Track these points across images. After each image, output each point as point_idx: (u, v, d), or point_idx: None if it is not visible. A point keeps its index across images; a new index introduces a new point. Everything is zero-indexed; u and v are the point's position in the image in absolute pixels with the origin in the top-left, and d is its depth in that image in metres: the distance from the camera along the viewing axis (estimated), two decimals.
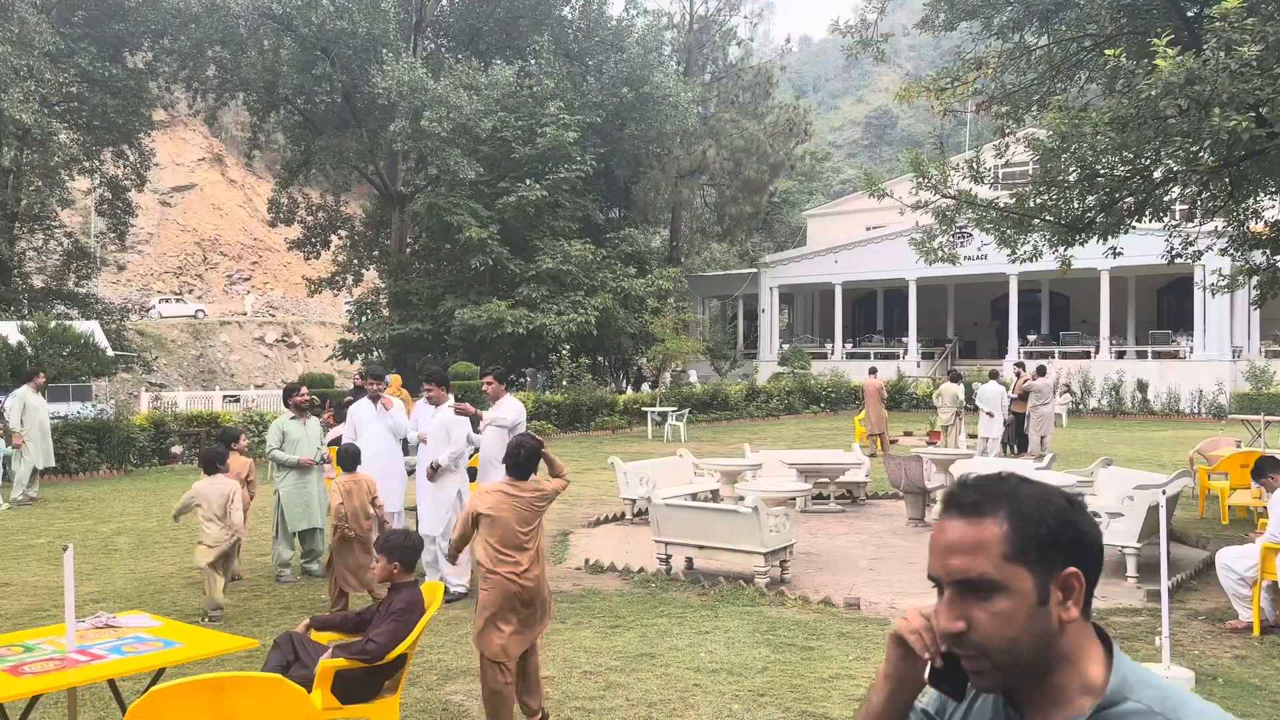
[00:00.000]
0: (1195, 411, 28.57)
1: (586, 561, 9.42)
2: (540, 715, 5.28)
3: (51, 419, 16.27)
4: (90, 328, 21.57)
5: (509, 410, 8.02)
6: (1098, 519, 8.97)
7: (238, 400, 32.33)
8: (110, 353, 19.96)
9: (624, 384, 36.10)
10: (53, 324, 17.72)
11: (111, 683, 4.84)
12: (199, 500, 7.63)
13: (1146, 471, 11.78)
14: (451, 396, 8.55)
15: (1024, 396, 18.19)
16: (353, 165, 36.05)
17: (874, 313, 43.80)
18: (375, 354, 34.69)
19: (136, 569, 9.45)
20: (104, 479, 16.44)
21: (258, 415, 19.55)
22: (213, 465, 7.90)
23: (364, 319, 36.53)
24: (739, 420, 27.72)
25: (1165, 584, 6.30)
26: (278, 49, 31.83)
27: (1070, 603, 1.36)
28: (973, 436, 18.64)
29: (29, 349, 16.61)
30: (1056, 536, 1.36)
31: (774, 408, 28.97)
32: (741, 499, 9.53)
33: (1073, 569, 1.36)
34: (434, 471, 8.13)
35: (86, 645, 4.49)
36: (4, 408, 14.92)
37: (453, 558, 5.73)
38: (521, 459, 5.21)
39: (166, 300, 56.24)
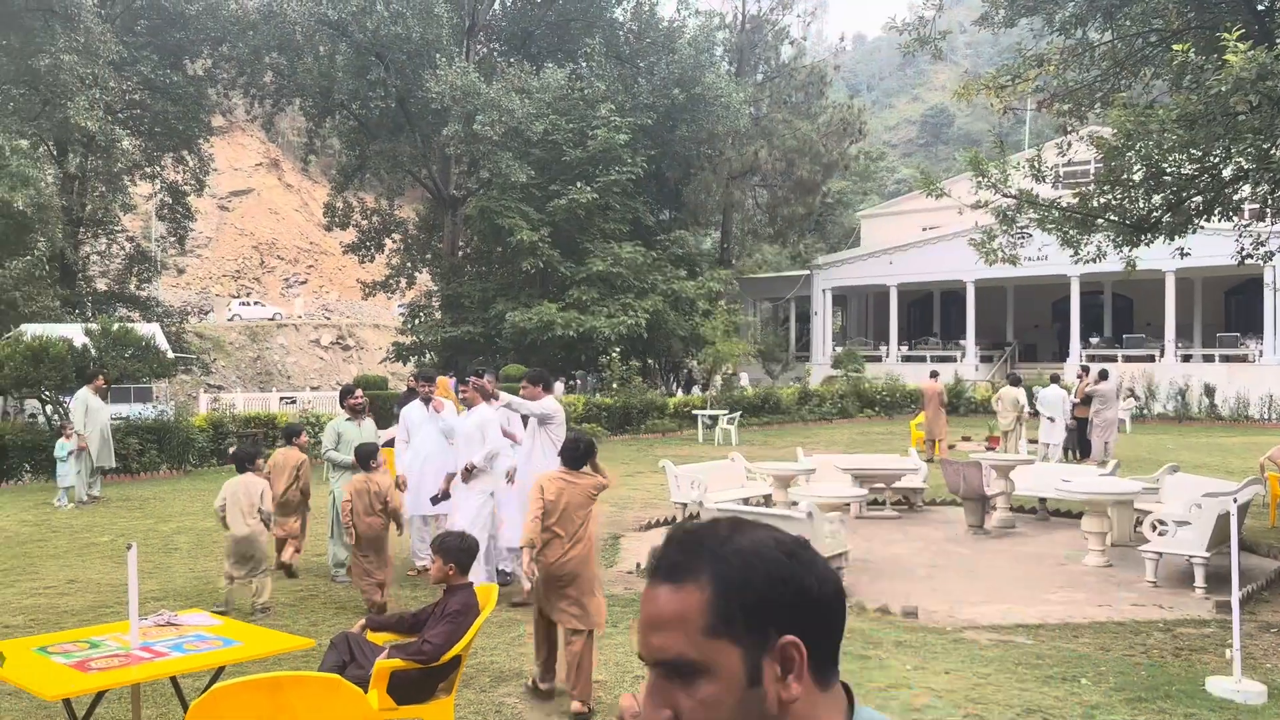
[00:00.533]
0: (1265, 417, 27.77)
1: (638, 565, 9.41)
2: (586, 710, 5.46)
3: (114, 420, 16.70)
4: (151, 330, 22.09)
5: (538, 404, 8.04)
6: (1164, 527, 8.77)
7: (294, 402, 32.91)
8: (170, 355, 20.41)
9: (674, 387, 36.06)
10: (115, 326, 18.16)
11: (173, 679, 4.95)
12: (227, 498, 7.79)
13: (1215, 479, 11.48)
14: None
15: (1086, 401, 17.83)
16: (406, 169, 36.52)
17: (930, 315, 43.25)
18: (428, 356, 35.08)
19: (195, 568, 9.66)
20: (164, 479, 16.82)
21: (313, 416, 19.87)
22: (243, 464, 8.06)
23: (416, 322, 36.95)
24: (791, 424, 27.53)
25: (1236, 595, 6.13)
26: (333, 55, 32.36)
27: (791, 678, 1.13)
28: (1033, 442, 18.33)
29: (93, 351, 17.04)
30: (767, 600, 1.12)
31: (827, 411, 28.73)
32: (795, 504, 9.46)
33: (790, 638, 1.12)
34: (468, 473, 8.11)
35: (150, 643, 4.59)
36: (68, 408, 15.34)
37: (532, 540, 5.71)
38: (580, 452, 5.81)
39: (245, 304, 57.93)
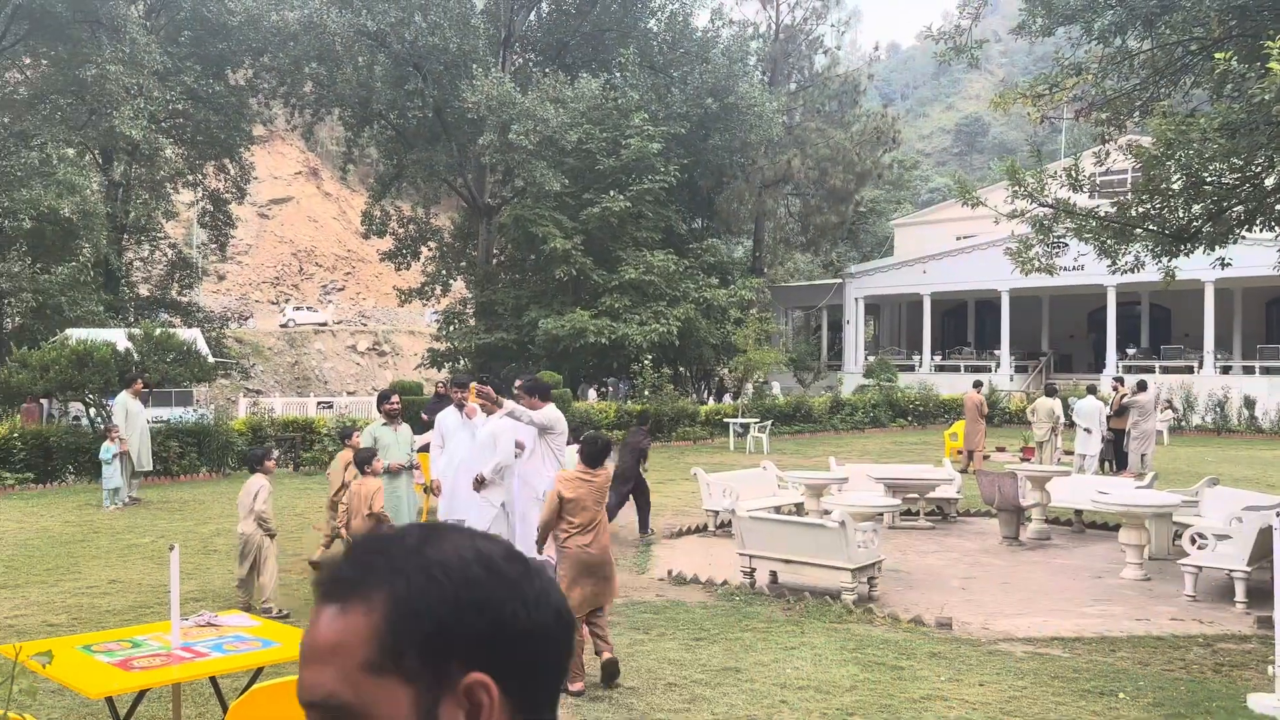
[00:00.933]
0: None
1: (670, 573, 9.40)
2: (610, 657, 6.17)
3: (155, 423, 16.95)
4: (192, 335, 22.41)
5: (539, 413, 7.84)
6: (1203, 540, 8.62)
7: (330, 406, 33.20)
8: (211, 359, 20.67)
9: (706, 395, 36.00)
10: (157, 331, 18.43)
11: (213, 679, 5.00)
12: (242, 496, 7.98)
13: (1256, 492, 11.28)
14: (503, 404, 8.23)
15: (1121, 412, 17.58)
16: (442, 178, 36.80)
17: (964, 324, 42.86)
18: (462, 362, 35.29)
19: (234, 569, 9.75)
20: (203, 481, 17.03)
21: (349, 421, 20.04)
22: (253, 465, 8.26)
23: (451, 328, 37.19)
24: (822, 433, 27.38)
25: (1279, 610, 6.01)
26: (372, 65, 32.71)
27: None
28: (1069, 453, 18.10)
29: (135, 355, 17.30)
30: (450, 628, 0.88)
31: (859, 421, 28.54)
32: (828, 513, 9.41)
33: (479, 677, 0.87)
34: (479, 484, 8.06)
35: (190, 643, 4.65)
36: (110, 411, 15.58)
37: (541, 541, 6.35)
38: (599, 450, 6.32)
39: (299, 309, 59.37)
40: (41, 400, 19.60)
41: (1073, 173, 10.13)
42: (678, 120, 33.95)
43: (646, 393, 26.39)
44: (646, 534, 11.67)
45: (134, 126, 26.93)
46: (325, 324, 58.36)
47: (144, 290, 36.83)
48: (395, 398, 9.77)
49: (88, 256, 28.65)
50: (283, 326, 56.71)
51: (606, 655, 6.16)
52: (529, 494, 8.20)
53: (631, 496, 11.74)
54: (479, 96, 29.73)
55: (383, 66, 32.75)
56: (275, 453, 18.39)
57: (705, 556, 10.39)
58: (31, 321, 27.53)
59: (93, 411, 17.66)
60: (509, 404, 7.81)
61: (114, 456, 13.86)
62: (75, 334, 19.39)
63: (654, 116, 33.02)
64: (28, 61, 31.46)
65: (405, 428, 9.59)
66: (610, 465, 6.61)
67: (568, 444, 10.57)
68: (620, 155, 31.67)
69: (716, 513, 11.85)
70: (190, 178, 35.62)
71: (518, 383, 8.64)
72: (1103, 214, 10.46)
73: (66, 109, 28.24)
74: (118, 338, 18.84)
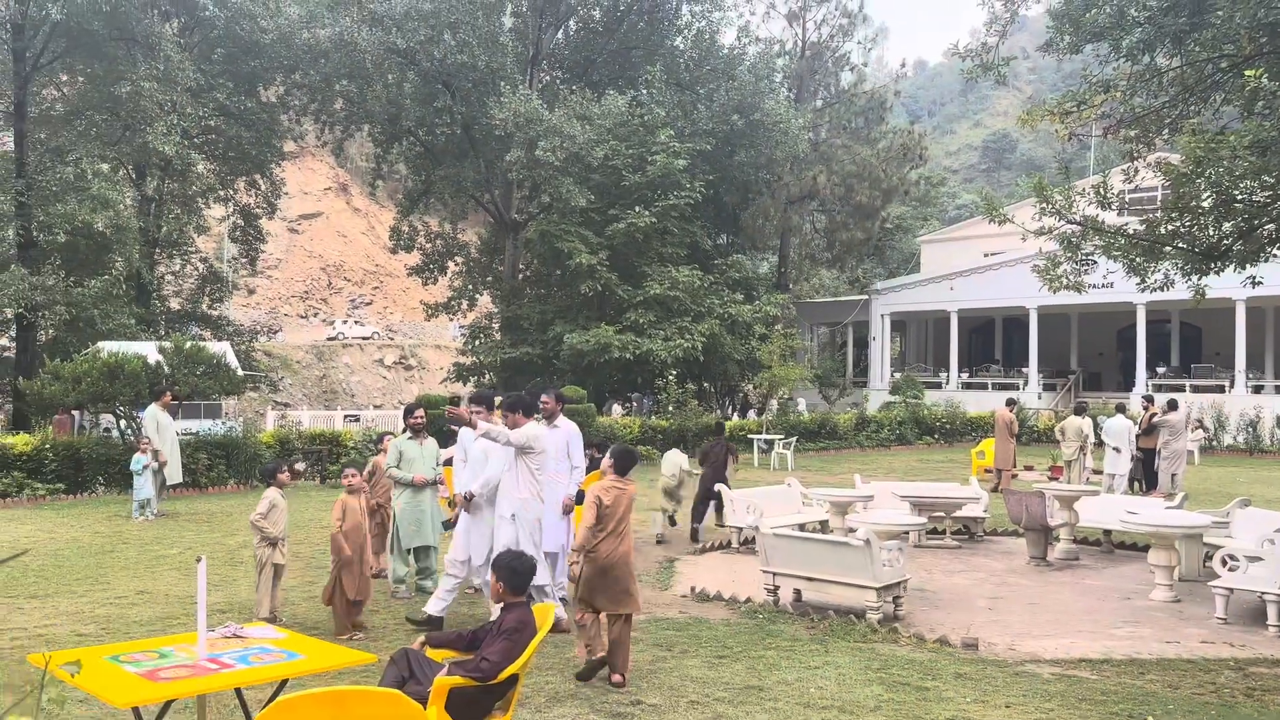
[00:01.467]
0: None
1: (693, 589, 9.37)
2: (624, 680, 6.37)
3: (185, 435, 17.13)
4: (222, 348, 22.65)
5: (519, 432, 7.46)
6: (1235, 562, 8.50)
7: (358, 420, 33.41)
8: (240, 372, 20.88)
9: (730, 411, 35.93)
10: (188, 344, 18.64)
11: (238, 691, 5.04)
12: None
13: None
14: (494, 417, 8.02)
15: (1151, 431, 17.38)
16: (470, 194, 37.05)
17: (992, 341, 42.58)
18: (487, 377, 35.43)
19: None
20: (231, 493, 17.18)
21: (376, 434, 20.16)
22: (267, 479, 8.39)
23: (477, 343, 37.39)
24: (848, 450, 27.24)
25: None
26: (401, 83, 33.04)
27: None
28: (1098, 473, 17.91)
29: (166, 368, 17.51)
30: None
31: (884, 438, 28.38)
32: (853, 531, 9.35)
33: None
34: (467, 501, 7.98)
35: (216, 654, 4.68)
36: (142, 424, 15.76)
37: (582, 547, 6.56)
38: (630, 461, 6.82)
39: (346, 322, 61.08)
40: (73, 412, 19.87)
41: (1101, 190, 10.06)
42: (703, 137, 34.03)
43: (671, 408, 26.36)
44: (699, 540, 12.31)
45: (167, 142, 27.32)
46: (372, 337, 59.74)
47: (175, 304, 37.27)
48: (420, 412, 9.81)
49: (120, 270, 29.04)
50: (330, 340, 57.97)
51: (600, 655, 6.51)
52: (499, 512, 7.70)
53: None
54: (506, 113, 29.95)
55: (412, 84, 33.09)
56: (301, 465, 18.60)
57: (729, 573, 10.36)
58: (64, 334, 27.93)
59: (123, 423, 17.88)
60: (484, 425, 7.37)
61: (144, 468, 14.02)
62: (107, 347, 19.66)
63: (680, 133, 33.13)
64: (64, 79, 32.01)
65: (431, 441, 9.63)
66: (633, 481, 6.87)
67: (595, 455, 10.58)
68: (646, 171, 31.78)
69: (740, 529, 11.81)
70: (222, 193, 36.05)
71: (497, 399, 8.36)
72: (1131, 231, 10.37)
73: (102, 125, 28.69)
74: (149, 350, 19.09)
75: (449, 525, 8.94)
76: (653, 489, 14.16)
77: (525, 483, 7.49)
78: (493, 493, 7.84)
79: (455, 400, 8.91)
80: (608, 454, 6.96)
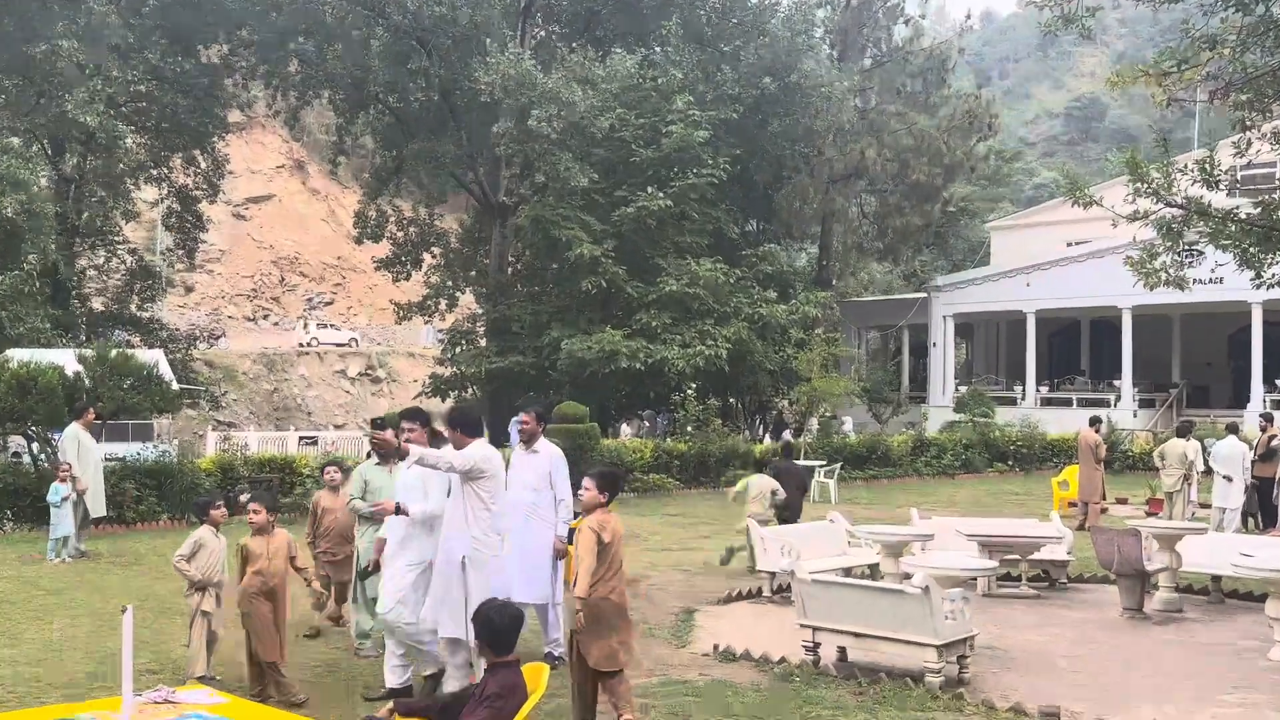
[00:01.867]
0: None
1: (716, 647, 9.37)
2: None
3: (110, 460, 17.15)
4: (154, 357, 22.73)
5: (461, 455, 7.15)
6: None
7: (314, 442, 33.53)
8: (175, 386, 20.99)
9: (761, 431, 35.93)
10: (113, 352, 18.71)
11: None
12: None
13: None
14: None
15: (1269, 457, 17.32)
16: (449, 172, 37.20)
17: (1077, 349, 42.51)
18: (470, 390, 35.47)
19: None
20: (165, 529, 17.20)
21: (336, 459, 20.20)
22: (201, 513, 8.64)
23: (458, 350, 37.42)
24: (903, 478, 27.21)
25: None
26: (368, 40, 33.19)
27: None
28: (1205, 506, 17.85)
29: (87, 380, 17.57)
30: None
31: (947, 464, 28.35)
32: (908, 577, 9.33)
33: None
34: (399, 513, 7.53)
35: None
36: (59, 447, 15.82)
37: (583, 587, 6.57)
38: (619, 484, 7.10)
39: (323, 326, 61.50)
40: None
41: (1207, 166, 10.05)
42: (729, 104, 34.09)
43: (690, 428, 26.36)
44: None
45: (89, 112, 27.49)
46: (349, 344, 59.75)
47: (98, 304, 37.50)
48: (390, 433, 9.81)
49: (33, 264, 29.19)
50: (303, 346, 58.02)
51: (627, 716, 6.59)
52: (447, 562, 7.25)
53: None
54: (493, 76, 30.06)
55: (380, 41, 33.24)
56: (244, 497, 18.61)
57: (759, 627, 10.35)
58: None
59: (36, 447, 17.94)
60: (417, 450, 7.01)
61: (64, 499, 14.03)
62: (17, 355, 19.74)
63: (700, 99, 33.18)
64: None
65: (401, 468, 9.61)
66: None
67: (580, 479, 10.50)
68: (660, 145, 31.84)
69: (773, 574, 11.78)
70: (154, 172, 36.31)
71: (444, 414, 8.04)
72: (1244, 216, 10.35)
73: (11, 91, 28.93)
74: (67, 360, 19.16)
75: (364, 575, 8.89)
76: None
77: (477, 519, 7.15)
78: (429, 530, 7.46)
79: (380, 422, 8.80)
80: (590, 478, 6.86)
